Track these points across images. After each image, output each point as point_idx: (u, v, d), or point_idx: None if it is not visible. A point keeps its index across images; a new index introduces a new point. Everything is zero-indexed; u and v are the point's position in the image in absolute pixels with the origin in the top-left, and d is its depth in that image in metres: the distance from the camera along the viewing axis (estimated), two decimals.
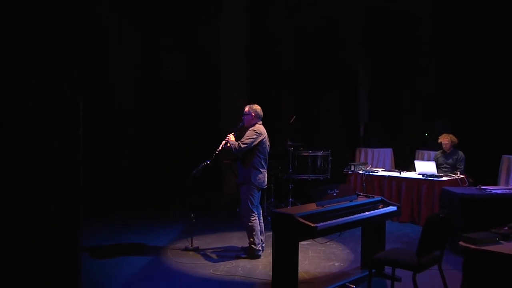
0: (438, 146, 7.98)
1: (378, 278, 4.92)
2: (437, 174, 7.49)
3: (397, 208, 5.10)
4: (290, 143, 8.07)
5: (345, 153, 9.66)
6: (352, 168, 8.38)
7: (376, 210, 4.92)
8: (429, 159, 8.52)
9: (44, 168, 3.44)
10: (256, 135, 5.70)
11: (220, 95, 10.21)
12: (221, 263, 5.61)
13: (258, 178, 5.72)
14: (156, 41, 10.00)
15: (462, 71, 8.77)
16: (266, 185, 5.97)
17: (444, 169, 7.74)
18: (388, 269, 4.72)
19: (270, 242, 4.81)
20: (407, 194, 7.63)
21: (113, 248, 6.28)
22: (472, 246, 3.62)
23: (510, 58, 8.24)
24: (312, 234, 4.20)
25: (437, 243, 4.14)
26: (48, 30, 3.50)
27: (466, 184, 7.24)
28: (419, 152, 9.21)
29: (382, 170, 8.40)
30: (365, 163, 8.80)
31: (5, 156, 3.34)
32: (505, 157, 7.98)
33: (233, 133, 5.90)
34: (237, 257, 5.78)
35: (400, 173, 7.92)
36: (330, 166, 8.31)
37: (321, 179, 8.18)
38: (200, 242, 6.40)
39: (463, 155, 7.70)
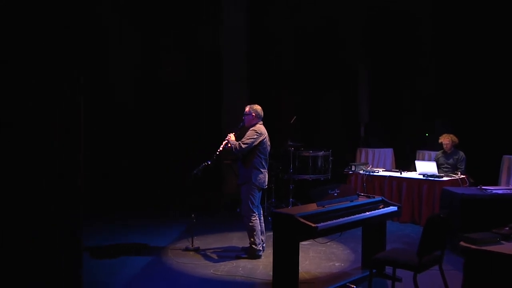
0: (439, 146, 7.97)
1: (378, 278, 4.92)
2: (437, 174, 7.48)
3: (398, 208, 5.09)
4: (291, 143, 8.06)
5: (346, 153, 9.64)
6: (353, 168, 8.38)
7: (376, 210, 4.92)
8: (429, 159, 8.51)
9: (44, 168, 3.44)
10: (257, 135, 5.69)
11: (220, 95, 10.20)
12: (221, 263, 5.61)
13: (258, 178, 5.71)
14: (156, 41, 9.99)
15: (462, 71, 8.76)
16: (267, 185, 5.97)
17: (444, 169, 7.73)
18: (388, 269, 4.71)
19: (270, 242, 4.80)
20: (408, 194, 7.63)
21: (114, 248, 6.27)
22: (473, 246, 3.62)
23: (510, 58, 8.23)
24: (312, 234, 4.20)
25: (438, 243, 4.14)
26: (48, 30, 3.50)
27: (467, 184, 7.23)
28: (419, 152, 9.20)
29: (382, 170, 8.39)
30: (366, 163, 8.80)
31: (5, 156, 3.34)
32: (505, 157, 7.97)
33: (233, 133, 5.90)
34: (238, 257, 5.77)
35: (401, 173, 7.91)
36: (330, 166, 8.30)
37: (322, 179, 8.17)
38: (201, 242, 6.39)
39: (463, 155, 7.70)
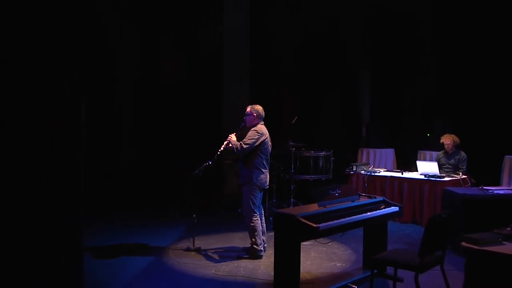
0: (440, 147, 7.96)
1: (380, 278, 4.91)
2: (439, 174, 7.47)
3: (399, 208, 5.08)
4: (292, 143, 8.05)
5: (347, 154, 9.64)
6: (354, 169, 8.36)
7: (378, 211, 4.90)
8: (431, 160, 8.50)
9: (44, 168, 3.43)
10: (258, 135, 5.68)
11: (220, 95, 10.20)
12: (223, 263, 5.60)
13: (260, 178, 5.70)
14: (156, 41, 9.98)
15: (463, 71, 8.76)
16: (268, 185, 5.95)
17: (446, 170, 7.72)
18: (390, 270, 4.70)
19: (272, 243, 4.79)
20: (409, 195, 7.61)
21: (114, 248, 6.26)
22: (475, 247, 3.61)
23: (511, 57, 8.22)
24: (314, 234, 4.18)
25: (439, 244, 4.12)
26: (48, 30, 3.50)
27: (468, 184, 7.22)
28: (421, 153, 9.19)
29: (384, 171, 8.38)
30: (367, 164, 8.79)
31: (5, 156, 3.33)
32: (507, 158, 7.96)
33: (235, 133, 5.89)
34: (239, 258, 5.76)
35: (402, 174, 7.90)
36: (332, 167, 8.28)
37: (323, 179, 8.15)
38: (202, 242, 6.38)
39: (465, 156, 7.68)
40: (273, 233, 4.56)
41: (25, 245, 3.41)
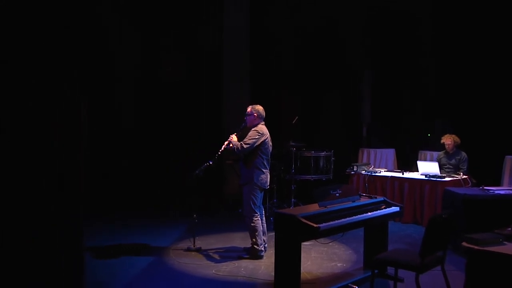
0: (441, 147, 7.95)
1: (380, 278, 4.91)
2: (440, 174, 7.46)
3: (400, 208, 5.07)
4: (293, 143, 8.04)
5: (348, 154, 9.63)
6: (355, 169, 8.36)
7: (378, 211, 4.89)
8: (431, 160, 8.49)
9: (44, 168, 3.42)
10: (259, 135, 5.68)
11: (220, 95, 10.19)
12: (223, 263, 5.59)
13: (260, 178, 5.70)
14: (156, 41, 9.98)
15: (463, 71, 8.74)
16: (269, 185, 5.95)
17: (447, 170, 7.71)
18: (391, 270, 4.70)
19: (272, 243, 4.78)
20: (410, 195, 7.60)
21: (115, 248, 6.26)
22: (475, 247, 3.60)
23: (511, 57, 8.21)
24: (314, 234, 4.18)
25: (440, 244, 4.12)
26: (48, 30, 3.49)
27: (469, 184, 7.21)
28: (421, 153, 9.18)
29: (384, 171, 8.37)
30: (368, 164, 8.78)
31: (5, 156, 3.32)
32: (508, 158, 7.94)
33: (235, 133, 5.89)
34: (240, 258, 5.76)
35: (403, 174, 7.89)
36: (332, 167, 8.28)
37: (324, 179, 8.15)
38: (203, 242, 6.38)
39: (466, 156, 7.67)
40: (273, 233, 4.55)
41: (25, 245, 3.40)
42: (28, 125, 3.38)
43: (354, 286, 4.73)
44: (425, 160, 8.73)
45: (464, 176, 7.38)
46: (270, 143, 5.87)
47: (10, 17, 3.36)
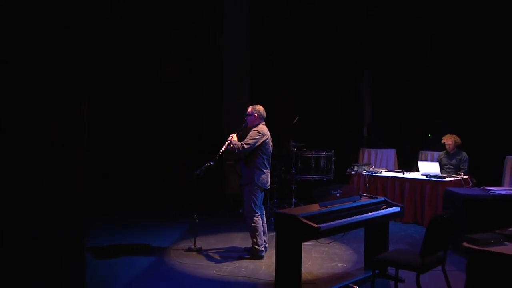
0: (442, 147, 7.94)
1: (381, 279, 4.90)
2: (440, 174, 7.45)
3: (401, 208, 5.07)
4: (293, 143, 8.04)
5: (349, 154, 9.62)
6: (355, 169, 8.35)
7: (379, 211, 4.89)
8: (432, 160, 8.48)
9: (44, 168, 3.41)
10: (259, 135, 5.67)
11: (221, 95, 10.18)
12: (224, 263, 5.59)
13: (261, 178, 5.69)
14: (156, 41, 9.97)
15: (464, 71, 8.73)
16: (269, 185, 5.94)
17: (447, 170, 7.70)
18: (391, 270, 4.69)
19: (273, 243, 4.77)
20: (411, 195, 7.59)
21: (115, 248, 6.25)
22: (476, 247, 3.59)
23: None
24: (315, 234, 4.18)
25: (441, 244, 4.11)
26: (48, 30, 3.48)
27: (470, 184, 7.20)
28: (422, 153, 9.17)
29: (385, 171, 8.37)
30: (368, 164, 8.77)
31: (6, 156, 3.32)
32: (509, 158, 7.93)
33: (236, 133, 5.88)
34: (240, 258, 5.75)
35: (403, 174, 7.88)
36: (333, 167, 8.27)
37: (324, 179, 8.14)
38: (203, 242, 6.37)
39: (466, 156, 7.66)
40: (274, 234, 4.54)
41: (25, 245, 3.40)
42: (28, 125, 3.37)
43: (355, 286, 4.72)
44: (425, 160, 8.72)
45: (465, 176, 7.37)
46: (271, 143, 5.87)
47: (10, 17, 3.35)
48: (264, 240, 5.82)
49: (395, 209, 5.02)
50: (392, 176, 7.88)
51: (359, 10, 9.84)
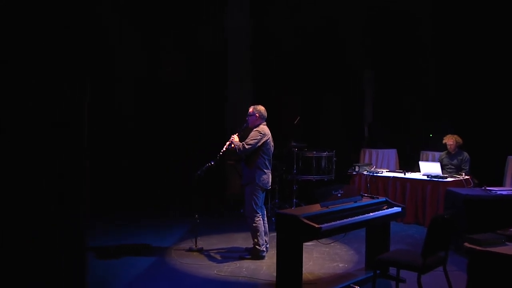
0: (443, 147, 7.92)
1: (382, 279, 4.89)
2: (441, 175, 7.44)
3: (402, 209, 5.06)
4: (294, 143, 8.03)
5: (350, 154, 9.62)
6: (357, 169, 8.34)
7: (380, 211, 4.89)
8: (433, 160, 8.47)
9: (44, 168, 3.40)
10: (260, 135, 5.66)
11: (221, 95, 10.17)
12: (225, 263, 5.58)
13: (262, 178, 5.68)
14: (156, 41, 9.96)
15: (464, 71, 8.73)
16: (271, 185, 5.93)
17: (448, 170, 7.69)
18: (392, 270, 4.68)
19: (274, 243, 4.77)
20: (412, 195, 7.59)
21: (115, 249, 6.25)
22: (477, 248, 3.59)
23: None
24: (316, 235, 4.17)
25: (442, 244, 4.11)
26: (48, 30, 3.47)
27: (471, 185, 7.19)
28: (423, 153, 9.16)
29: (386, 171, 8.36)
30: (370, 164, 8.77)
31: (5, 156, 3.31)
32: (510, 158, 7.93)
33: (237, 133, 5.87)
34: (241, 258, 5.74)
35: (405, 174, 7.88)
36: (334, 167, 8.26)
37: (326, 180, 8.13)
38: (204, 242, 6.37)
39: (468, 156, 7.64)
40: (275, 234, 4.53)
41: (25, 245, 3.38)
42: (28, 125, 3.36)
43: (356, 287, 4.72)
44: (427, 160, 8.71)
45: (466, 177, 7.35)
46: (272, 144, 5.86)
47: (10, 17, 3.34)
48: (265, 240, 5.81)
49: (396, 209, 5.01)
50: (393, 176, 7.87)
51: (359, 10, 9.83)
